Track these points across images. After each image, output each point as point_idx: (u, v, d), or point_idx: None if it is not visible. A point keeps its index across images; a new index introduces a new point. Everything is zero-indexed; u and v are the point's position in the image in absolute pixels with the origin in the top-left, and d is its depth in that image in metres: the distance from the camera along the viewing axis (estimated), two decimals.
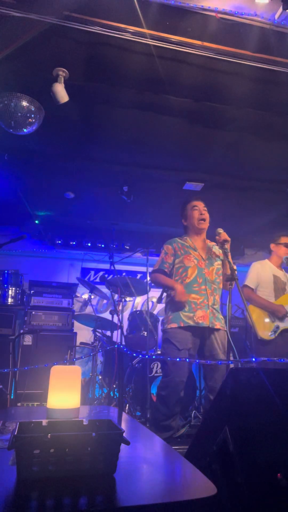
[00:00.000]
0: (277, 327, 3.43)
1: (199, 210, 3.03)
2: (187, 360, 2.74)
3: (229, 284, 2.60)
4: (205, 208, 3.07)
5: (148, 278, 4.22)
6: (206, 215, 3.04)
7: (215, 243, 2.92)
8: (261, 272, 3.66)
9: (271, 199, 4.67)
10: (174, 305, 2.86)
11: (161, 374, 3.79)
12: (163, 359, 2.79)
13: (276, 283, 3.60)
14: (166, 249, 3.05)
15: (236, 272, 2.59)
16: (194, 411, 3.65)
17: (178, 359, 2.66)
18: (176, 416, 2.84)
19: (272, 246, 3.79)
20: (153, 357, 3.85)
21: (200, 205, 3.06)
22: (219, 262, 3.03)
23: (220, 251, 3.02)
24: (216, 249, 3.07)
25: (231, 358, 2.52)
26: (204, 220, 3.03)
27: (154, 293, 5.41)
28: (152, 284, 3.34)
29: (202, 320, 2.78)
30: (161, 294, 3.25)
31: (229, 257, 2.77)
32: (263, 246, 5.80)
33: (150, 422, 3.15)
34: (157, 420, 2.80)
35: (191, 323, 2.77)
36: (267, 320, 3.47)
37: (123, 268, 5.83)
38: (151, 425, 3.01)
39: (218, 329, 2.83)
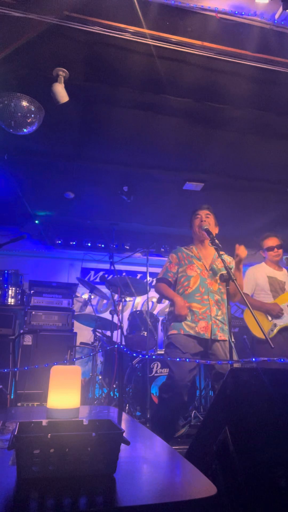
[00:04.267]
0: (275, 325, 3.46)
1: (200, 218, 3.02)
2: (187, 360, 2.72)
3: (228, 284, 2.58)
4: (208, 215, 3.05)
5: (148, 278, 4.22)
6: (208, 222, 3.00)
7: (210, 242, 2.82)
8: (256, 276, 3.71)
9: (271, 199, 4.68)
10: (176, 315, 2.84)
11: (164, 375, 3.80)
12: (164, 359, 2.77)
13: (272, 284, 3.63)
14: (171, 258, 3.06)
15: (232, 270, 2.57)
16: (194, 411, 3.65)
17: (178, 359, 2.65)
18: (178, 419, 2.83)
19: (261, 252, 3.86)
20: (153, 357, 3.85)
21: (202, 213, 3.05)
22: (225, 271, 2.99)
23: (229, 259, 3.03)
24: (225, 258, 3.03)
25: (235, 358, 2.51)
26: (204, 224, 2.98)
27: (154, 293, 5.39)
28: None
29: (203, 331, 2.73)
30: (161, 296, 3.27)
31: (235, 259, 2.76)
32: None
33: (150, 422, 3.15)
34: (158, 422, 2.77)
35: (192, 332, 2.73)
36: (264, 319, 3.50)
37: (123, 268, 5.83)
38: (151, 425, 3.01)
39: (222, 340, 2.75)
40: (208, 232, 2.81)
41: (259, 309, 3.52)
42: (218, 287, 2.91)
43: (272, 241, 3.76)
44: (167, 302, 4.42)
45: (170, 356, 2.75)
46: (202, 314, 2.78)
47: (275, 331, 3.44)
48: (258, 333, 3.46)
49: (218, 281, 2.92)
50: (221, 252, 2.75)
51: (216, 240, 2.74)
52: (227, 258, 3.07)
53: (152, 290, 5.61)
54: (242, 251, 2.79)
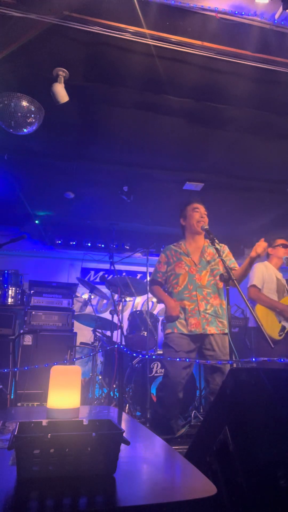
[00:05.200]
0: (284, 328, 3.45)
1: (200, 213, 3.02)
2: (187, 360, 2.73)
3: (228, 284, 2.57)
4: (206, 213, 3.06)
5: (148, 278, 4.22)
6: (206, 220, 3.02)
7: (210, 242, 2.85)
8: (265, 273, 3.66)
9: (271, 199, 4.67)
10: (168, 316, 2.89)
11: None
12: (163, 359, 2.79)
13: (278, 285, 3.62)
14: (160, 257, 3.11)
15: (232, 271, 2.56)
16: (194, 411, 3.65)
17: (178, 359, 2.67)
18: (176, 417, 2.84)
19: (269, 250, 3.80)
20: (153, 357, 3.85)
21: (201, 208, 3.05)
22: (214, 262, 2.97)
23: (218, 246, 3.02)
24: (212, 249, 3.04)
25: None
26: (203, 222, 3.00)
27: None
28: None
29: (194, 328, 2.78)
30: None
31: (231, 255, 2.75)
32: None
33: (150, 422, 3.15)
34: (157, 421, 2.81)
35: (185, 331, 2.79)
36: (274, 320, 3.47)
37: (123, 268, 5.83)
38: (151, 425, 3.01)
39: (215, 334, 2.77)
40: (208, 232, 2.80)
41: (275, 308, 3.48)
42: (207, 280, 2.90)
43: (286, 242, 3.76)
44: None
45: (165, 355, 2.82)
46: (191, 311, 2.82)
47: (284, 334, 3.44)
48: (270, 331, 3.41)
49: (208, 275, 2.91)
50: (220, 245, 2.78)
51: (216, 240, 2.73)
52: (217, 246, 3.06)
53: None
54: (261, 248, 2.64)
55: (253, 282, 3.60)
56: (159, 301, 3.06)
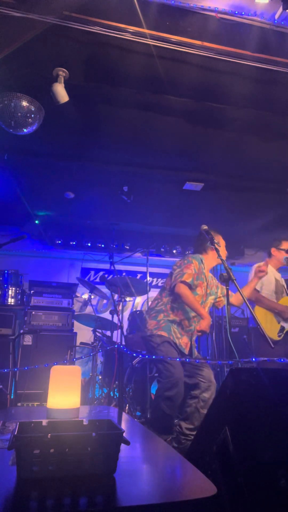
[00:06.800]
0: (283, 328, 3.46)
1: (223, 249, 3.00)
2: (188, 360, 2.73)
3: (227, 284, 2.57)
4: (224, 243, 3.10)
5: (148, 278, 4.21)
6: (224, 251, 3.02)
7: (210, 242, 2.84)
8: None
9: (271, 199, 4.67)
10: (174, 311, 2.85)
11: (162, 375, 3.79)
12: (163, 360, 2.77)
13: (277, 286, 3.63)
14: (195, 266, 2.91)
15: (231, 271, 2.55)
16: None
17: (178, 359, 2.66)
18: (176, 417, 2.83)
19: (273, 250, 3.77)
20: (153, 357, 3.84)
21: (223, 243, 3.06)
22: (213, 297, 3.04)
23: (216, 282, 3.11)
24: (214, 280, 3.10)
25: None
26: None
27: (154, 293, 5.38)
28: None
29: (184, 346, 2.83)
30: None
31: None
32: (263, 246, 5.79)
33: (151, 423, 3.14)
34: (161, 422, 2.71)
35: (176, 342, 2.81)
36: (273, 320, 3.48)
37: (123, 268, 5.82)
38: (151, 426, 2.99)
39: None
40: (208, 233, 2.76)
41: (273, 309, 3.49)
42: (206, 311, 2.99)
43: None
44: None
45: (167, 352, 2.76)
46: (187, 332, 2.87)
47: (283, 334, 3.45)
48: (270, 332, 3.42)
49: (208, 305, 3.01)
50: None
51: (215, 240, 2.72)
52: (214, 279, 3.14)
53: (152, 290, 5.62)
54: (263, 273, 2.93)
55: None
56: (191, 308, 2.81)
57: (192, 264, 2.90)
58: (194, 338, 2.94)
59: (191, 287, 2.82)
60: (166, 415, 2.70)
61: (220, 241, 3.04)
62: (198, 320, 2.86)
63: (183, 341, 2.83)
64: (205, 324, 2.72)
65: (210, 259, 3.05)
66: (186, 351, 2.83)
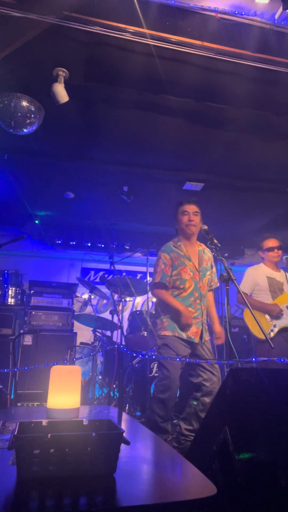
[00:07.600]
0: (274, 326, 3.48)
1: (189, 216, 2.97)
2: (187, 360, 2.73)
3: (227, 284, 2.57)
4: (197, 213, 2.99)
5: (148, 278, 4.21)
6: (196, 220, 2.96)
7: (205, 246, 2.85)
8: (256, 276, 3.73)
9: (271, 199, 4.67)
10: (171, 312, 2.84)
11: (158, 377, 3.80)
12: (162, 360, 2.77)
13: (271, 285, 3.66)
14: (164, 259, 2.93)
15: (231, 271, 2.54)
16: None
17: (178, 359, 2.67)
18: (171, 419, 2.84)
19: (260, 253, 3.88)
20: (153, 357, 3.84)
21: (190, 210, 2.97)
22: (210, 271, 3.03)
23: (210, 255, 3.04)
24: (207, 253, 3.07)
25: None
26: (193, 225, 2.95)
27: None
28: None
29: (194, 336, 2.80)
30: None
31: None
32: None
33: (145, 422, 3.15)
34: (154, 422, 2.75)
35: (184, 336, 2.79)
36: (264, 319, 3.51)
37: (123, 268, 5.83)
38: (146, 425, 3.00)
39: (207, 340, 2.90)
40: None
41: (260, 309, 3.53)
42: (206, 289, 2.98)
43: (272, 242, 3.78)
44: None
45: (165, 356, 2.78)
46: (195, 319, 2.82)
47: (275, 331, 3.46)
48: (258, 333, 3.47)
49: (206, 283, 2.97)
50: (203, 245, 2.75)
51: (215, 240, 2.70)
52: (207, 253, 3.09)
53: None
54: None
55: (241, 288, 3.63)
56: (167, 306, 2.87)
57: (160, 259, 2.96)
58: (204, 321, 2.89)
59: (165, 284, 2.87)
60: (158, 416, 2.73)
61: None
62: (200, 303, 2.86)
63: (192, 332, 2.80)
64: (183, 319, 2.74)
65: (187, 236, 3.00)
66: (197, 340, 2.80)
